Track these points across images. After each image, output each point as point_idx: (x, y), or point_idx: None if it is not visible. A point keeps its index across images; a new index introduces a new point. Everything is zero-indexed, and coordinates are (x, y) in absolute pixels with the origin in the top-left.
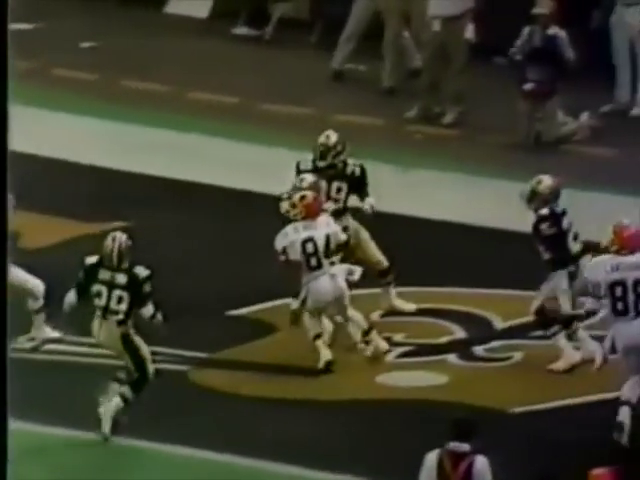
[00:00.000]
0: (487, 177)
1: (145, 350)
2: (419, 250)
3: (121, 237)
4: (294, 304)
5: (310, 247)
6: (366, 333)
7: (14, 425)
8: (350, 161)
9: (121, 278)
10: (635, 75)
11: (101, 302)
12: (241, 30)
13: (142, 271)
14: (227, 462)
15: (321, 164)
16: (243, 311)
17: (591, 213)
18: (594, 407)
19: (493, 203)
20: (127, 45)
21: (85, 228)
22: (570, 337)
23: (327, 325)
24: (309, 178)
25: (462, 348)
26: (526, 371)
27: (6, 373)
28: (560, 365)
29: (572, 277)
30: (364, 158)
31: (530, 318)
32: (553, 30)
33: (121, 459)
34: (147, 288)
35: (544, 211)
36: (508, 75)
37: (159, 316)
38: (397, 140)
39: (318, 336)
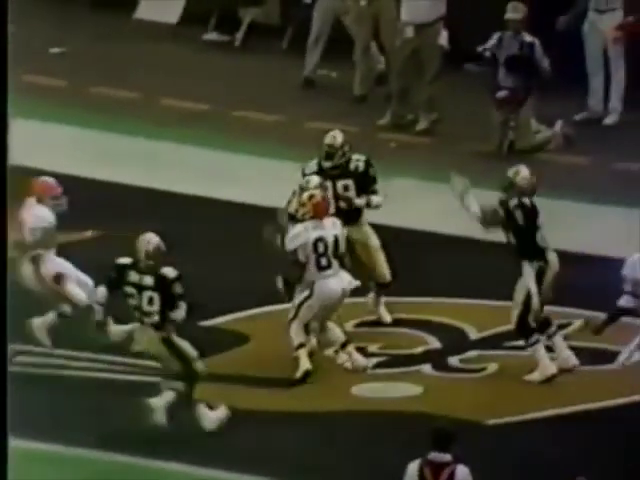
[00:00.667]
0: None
1: (189, 349)
2: (392, 260)
3: (153, 239)
4: (280, 283)
5: (321, 247)
6: (343, 346)
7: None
8: (354, 156)
9: (148, 279)
10: (608, 83)
11: (134, 302)
12: (211, 36)
13: (170, 272)
14: (200, 475)
15: (326, 165)
16: (216, 321)
17: (563, 222)
18: (570, 419)
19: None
20: (97, 51)
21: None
22: (550, 348)
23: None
24: (315, 179)
25: (437, 359)
26: (501, 382)
27: (6, 389)
28: (536, 376)
29: (540, 274)
30: None
31: (505, 328)
32: (526, 36)
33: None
34: (176, 289)
35: (526, 200)
36: (481, 82)
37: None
38: (370, 148)
39: (302, 345)
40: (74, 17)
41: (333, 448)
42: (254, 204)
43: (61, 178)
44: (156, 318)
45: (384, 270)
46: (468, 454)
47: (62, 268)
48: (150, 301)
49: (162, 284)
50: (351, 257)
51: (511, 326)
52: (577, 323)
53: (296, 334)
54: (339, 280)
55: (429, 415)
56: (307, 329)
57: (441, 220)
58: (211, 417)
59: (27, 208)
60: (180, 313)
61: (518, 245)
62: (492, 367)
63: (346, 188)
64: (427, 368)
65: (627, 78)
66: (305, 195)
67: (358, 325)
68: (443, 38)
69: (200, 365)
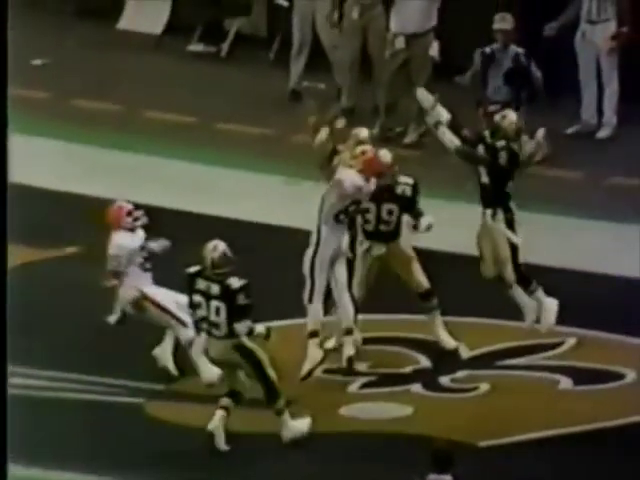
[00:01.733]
0: (448, 200)
1: (261, 353)
2: (381, 277)
3: (219, 246)
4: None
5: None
6: (348, 332)
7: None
8: (401, 179)
9: (215, 288)
10: (601, 95)
11: (202, 313)
12: (196, 47)
13: (235, 282)
14: None
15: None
16: None
17: (554, 237)
18: (566, 440)
19: (454, 227)
20: (79, 62)
21: (35, 254)
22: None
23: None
24: (365, 131)
25: (427, 378)
26: (493, 402)
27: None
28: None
29: (510, 224)
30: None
31: (497, 347)
32: (517, 48)
33: None
34: (241, 300)
35: (513, 145)
36: (470, 95)
37: (259, 331)
38: None
39: (314, 334)
40: (56, 28)
41: (322, 471)
42: (239, 219)
43: (45, 194)
44: (224, 330)
45: (421, 277)
46: (461, 477)
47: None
48: (217, 311)
49: (227, 294)
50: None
51: (504, 345)
52: (570, 342)
53: (312, 315)
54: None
55: (419, 436)
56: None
57: (430, 235)
58: (294, 426)
59: (111, 239)
60: (244, 326)
61: (492, 189)
62: (484, 387)
63: (390, 213)
64: (417, 388)
65: (620, 90)
66: (358, 149)
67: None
68: (434, 49)
69: (272, 372)
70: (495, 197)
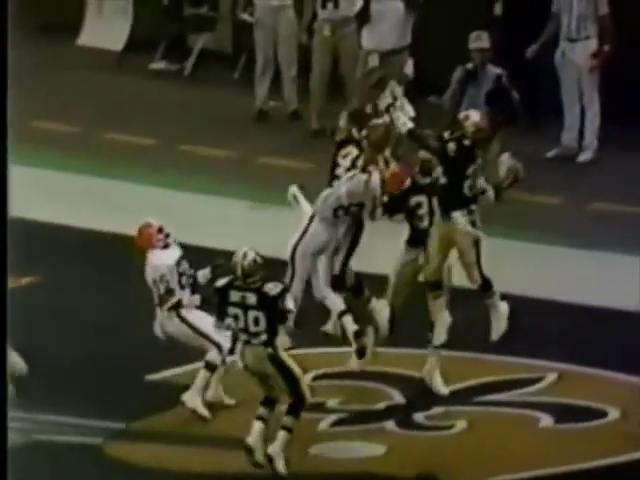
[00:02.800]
0: None
1: (297, 369)
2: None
3: (249, 253)
4: None
5: None
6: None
7: None
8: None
9: (251, 298)
10: (583, 118)
11: (240, 325)
12: (159, 65)
13: (272, 288)
14: None
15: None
16: (163, 375)
17: (533, 266)
18: None
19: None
20: (35, 81)
21: None
22: None
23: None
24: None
25: (401, 415)
26: (471, 441)
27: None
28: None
29: (473, 224)
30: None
31: (475, 381)
32: (495, 69)
33: None
34: (282, 305)
35: (465, 141)
36: (445, 116)
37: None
38: (327, 185)
39: (344, 312)
40: (11, 44)
41: None
42: (203, 246)
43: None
44: (264, 337)
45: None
46: None
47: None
48: (256, 321)
49: (265, 302)
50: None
51: (482, 379)
52: (551, 377)
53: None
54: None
55: (392, 477)
56: None
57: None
58: None
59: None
60: (289, 325)
61: (450, 189)
62: (461, 424)
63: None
64: (390, 425)
65: (602, 112)
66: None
67: (317, 378)
68: (409, 67)
69: (307, 389)
70: (455, 199)
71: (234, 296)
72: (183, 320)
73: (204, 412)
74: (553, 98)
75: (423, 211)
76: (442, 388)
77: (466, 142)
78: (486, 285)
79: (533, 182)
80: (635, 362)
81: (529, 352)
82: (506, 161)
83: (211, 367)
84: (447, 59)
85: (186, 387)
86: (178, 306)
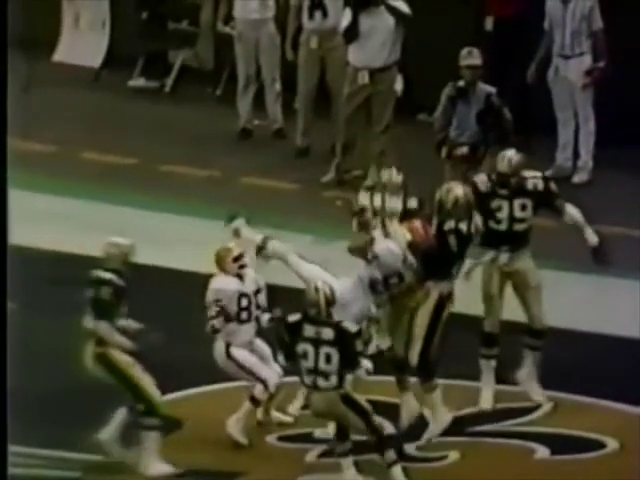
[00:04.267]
0: None
1: (366, 404)
2: None
3: (325, 286)
4: None
5: None
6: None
7: None
8: (527, 174)
9: (328, 333)
10: (576, 136)
11: (308, 364)
12: (137, 81)
13: (351, 326)
14: None
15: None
16: None
17: None
18: None
19: None
20: (8, 99)
21: None
22: None
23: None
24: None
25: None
26: (464, 473)
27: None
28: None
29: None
30: (276, 227)
31: (468, 411)
32: (486, 87)
33: None
34: (359, 346)
35: (462, 226)
36: (434, 134)
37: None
38: (313, 206)
39: None
40: None
41: None
42: (183, 269)
43: None
44: (334, 380)
45: (541, 313)
46: None
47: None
48: (328, 359)
49: (343, 338)
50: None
51: (475, 409)
52: (547, 406)
53: None
54: None
55: None
56: None
57: None
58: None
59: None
60: (362, 371)
61: (438, 266)
62: (453, 456)
63: (524, 207)
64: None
65: (597, 131)
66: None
67: (305, 407)
68: (399, 83)
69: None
70: (438, 272)
71: (308, 331)
72: (230, 356)
73: (241, 439)
74: (546, 116)
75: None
76: (448, 416)
77: (463, 228)
78: (427, 371)
79: None
80: (634, 391)
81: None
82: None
83: (256, 403)
84: (437, 76)
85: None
86: (214, 332)
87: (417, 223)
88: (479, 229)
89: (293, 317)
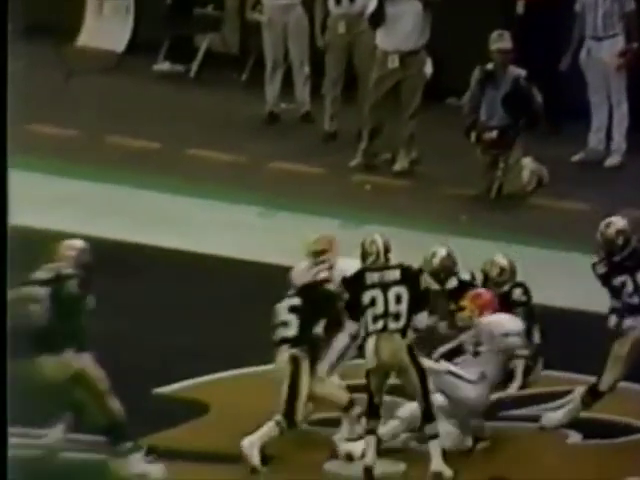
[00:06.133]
0: (443, 235)
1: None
2: None
3: (379, 238)
4: None
5: None
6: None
7: None
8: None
9: (393, 274)
10: (610, 121)
11: (378, 309)
12: (162, 66)
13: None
14: None
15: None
16: (171, 389)
17: (560, 276)
18: None
19: None
20: (34, 84)
21: None
22: None
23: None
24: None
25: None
26: (494, 458)
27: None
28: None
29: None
30: (304, 212)
31: (499, 395)
32: (516, 70)
33: None
34: (423, 284)
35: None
36: (464, 118)
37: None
38: (341, 191)
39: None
40: (7, 45)
41: None
42: (209, 254)
43: None
44: (402, 322)
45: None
46: None
47: None
48: (398, 299)
49: (409, 277)
50: None
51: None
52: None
53: None
54: None
55: None
56: None
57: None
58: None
59: None
60: (422, 319)
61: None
62: (484, 441)
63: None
64: (413, 441)
65: (630, 113)
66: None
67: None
68: (428, 66)
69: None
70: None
71: (371, 278)
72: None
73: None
74: (577, 100)
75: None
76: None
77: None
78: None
79: (558, 187)
80: None
81: (557, 364)
82: (529, 165)
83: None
84: (466, 60)
85: (194, 401)
86: None
87: (487, 295)
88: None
89: (349, 274)
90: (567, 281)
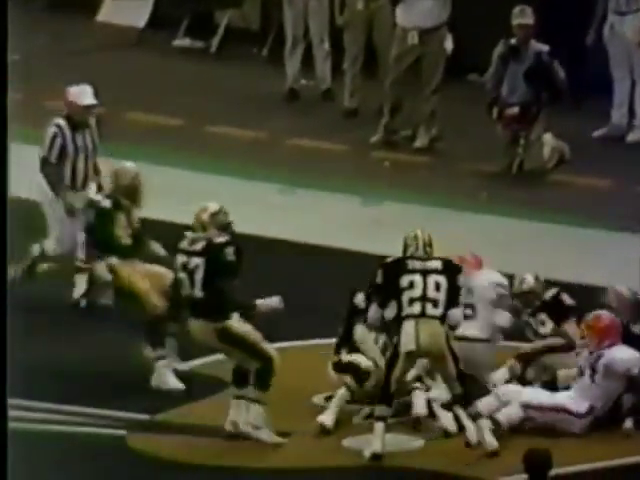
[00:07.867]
0: (463, 211)
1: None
2: None
3: (421, 232)
4: None
5: None
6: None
7: None
8: None
9: (435, 263)
10: (633, 94)
11: (415, 292)
12: (183, 41)
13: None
14: None
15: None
16: (193, 364)
17: (581, 252)
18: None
19: (473, 240)
20: (53, 59)
21: None
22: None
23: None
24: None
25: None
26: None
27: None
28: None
29: None
30: (325, 189)
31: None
32: (538, 45)
33: None
34: (462, 280)
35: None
36: (486, 95)
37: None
38: (361, 167)
39: None
40: (29, 20)
41: None
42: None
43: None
44: (441, 309)
45: None
46: None
47: None
48: (437, 287)
49: (449, 268)
50: None
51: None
52: None
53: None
54: None
55: (432, 472)
56: None
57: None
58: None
59: None
60: (456, 315)
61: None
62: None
63: None
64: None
65: None
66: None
67: None
68: (449, 42)
69: None
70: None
71: (413, 264)
72: None
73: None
74: (598, 75)
75: None
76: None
77: None
78: None
79: (580, 163)
80: None
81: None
82: (550, 141)
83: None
84: (488, 36)
85: (212, 377)
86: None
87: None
88: None
89: (390, 258)
90: (588, 257)
